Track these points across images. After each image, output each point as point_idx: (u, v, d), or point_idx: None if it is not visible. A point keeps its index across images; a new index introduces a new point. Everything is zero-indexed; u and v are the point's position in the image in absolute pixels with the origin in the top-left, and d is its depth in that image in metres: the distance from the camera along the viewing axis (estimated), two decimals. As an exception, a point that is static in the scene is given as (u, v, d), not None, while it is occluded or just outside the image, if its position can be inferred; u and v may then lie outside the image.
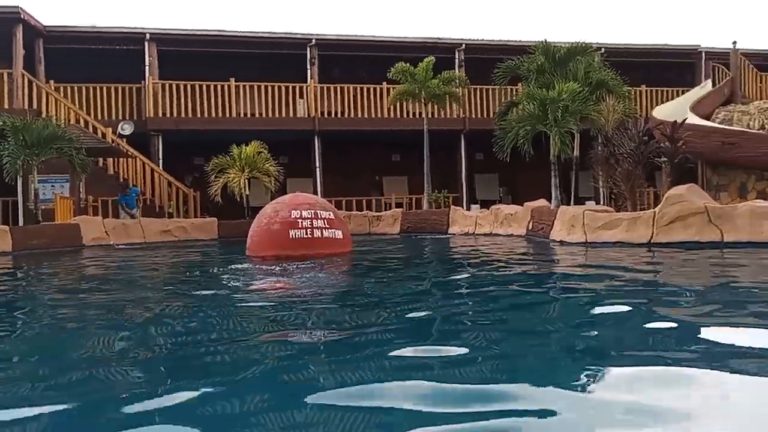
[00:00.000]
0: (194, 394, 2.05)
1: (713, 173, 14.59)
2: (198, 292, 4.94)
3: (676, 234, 7.67)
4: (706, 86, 16.50)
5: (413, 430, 1.63)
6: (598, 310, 3.58)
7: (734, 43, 16.49)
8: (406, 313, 3.58)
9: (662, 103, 16.91)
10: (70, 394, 2.14)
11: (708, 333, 2.78)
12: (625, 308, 3.52)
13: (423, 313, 3.62)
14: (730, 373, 2.13)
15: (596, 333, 2.98)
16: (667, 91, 18.05)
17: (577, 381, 2.09)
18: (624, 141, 9.36)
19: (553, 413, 1.75)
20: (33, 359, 2.80)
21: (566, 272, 6.20)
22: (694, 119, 13.57)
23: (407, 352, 2.55)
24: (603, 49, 17.17)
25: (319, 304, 4.16)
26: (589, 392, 1.98)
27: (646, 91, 18.16)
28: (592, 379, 2.13)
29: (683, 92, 16.94)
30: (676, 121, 9.99)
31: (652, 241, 7.83)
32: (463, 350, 2.55)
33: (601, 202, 10.91)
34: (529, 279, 5.57)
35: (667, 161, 9.50)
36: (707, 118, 14.77)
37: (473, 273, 6.25)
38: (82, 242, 11.81)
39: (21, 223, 13.07)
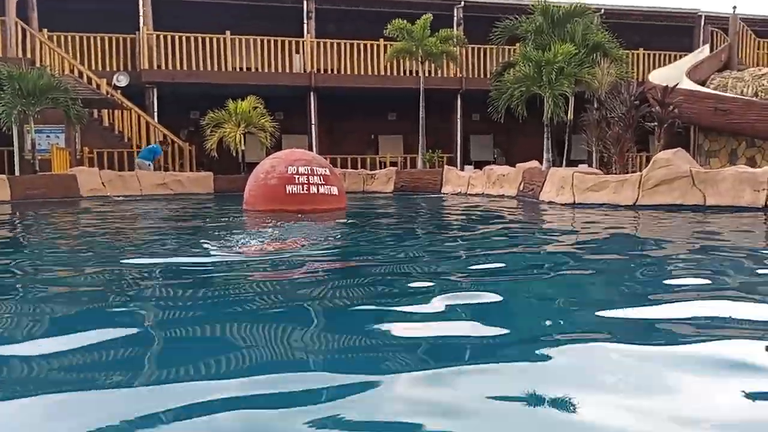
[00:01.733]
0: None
1: (705, 139, 14.77)
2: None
3: (661, 197, 7.91)
4: (703, 51, 16.51)
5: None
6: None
7: (734, 8, 16.41)
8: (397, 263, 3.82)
9: (660, 67, 16.91)
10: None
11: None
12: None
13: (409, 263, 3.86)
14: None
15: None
16: (665, 55, 18.01)
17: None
18: (616, 105, 9.48)
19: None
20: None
21: (531, 227, 6.55)
22: (688, 84, 13.67)
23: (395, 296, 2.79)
24: (602, 11, 17.06)
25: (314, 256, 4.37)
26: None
27: (644, 54, 18.12)
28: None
29: (681, 57, 16.93)
30: (667, 85, 10.09)
31: (637, 203, 8.07)
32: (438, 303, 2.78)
33: (593, 165, 11.07)
34: (504, 233, 5.84)
35: (657, 126, 9.65)
36: (703, 83, 14.85)
37: (453, 226, 6.49)
38: (80, 193, 11.96)
39: (17, 173, 13.13)
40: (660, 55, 18.11)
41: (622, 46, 13.02)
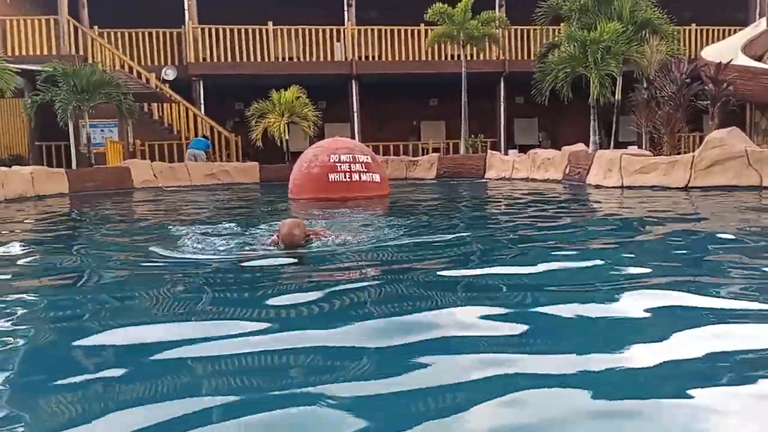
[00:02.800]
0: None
1: (762, 117, 14.11)
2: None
3: (714, 178, 7.66)
4: (759, 25, 15.71)
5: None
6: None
7: (794, -23, 15.55)
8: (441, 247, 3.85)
9: (713, 43, 16.21)
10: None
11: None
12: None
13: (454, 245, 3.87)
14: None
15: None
16: (719, 30, 17.24)
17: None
18: (665, 84, 9.17)
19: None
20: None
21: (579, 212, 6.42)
22: (743, 60, 13.05)
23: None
24: (652, -14, 16.45)
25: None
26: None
27: (696, 30, 17.40)
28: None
29: (735, 32, 16.17)
30: (720, 62, 9.69)
31: (689, 185, 7.83)
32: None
33: (644, 147, 10.75)
34: (549, 217, 5.75)
35: (710, 104, 9.29)
36: (759, 59, 14.15)
37: (495, 211, 6.44)
38: (133, 184, 12.40)
39: (74, 166, 13.70)
40: (713, 30, 17.36)
41: (672, 22, 12.54)
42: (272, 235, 3.87)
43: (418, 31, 16.57)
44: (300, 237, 3.57)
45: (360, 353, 1.83)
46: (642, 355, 1.75)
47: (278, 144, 14.95)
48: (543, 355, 1.78)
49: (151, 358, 1.84)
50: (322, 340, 1.95)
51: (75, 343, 2.02)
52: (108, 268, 3.58)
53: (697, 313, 2.18)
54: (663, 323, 2.09)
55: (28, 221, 6.95)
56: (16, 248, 4.35)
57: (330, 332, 2.03)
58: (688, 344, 1.84)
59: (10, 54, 14.21)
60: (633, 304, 2.32)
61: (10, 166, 11.09)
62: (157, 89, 14.97)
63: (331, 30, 16.59)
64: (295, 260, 3.43)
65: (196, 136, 15.46)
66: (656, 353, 1.75)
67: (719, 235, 4.21)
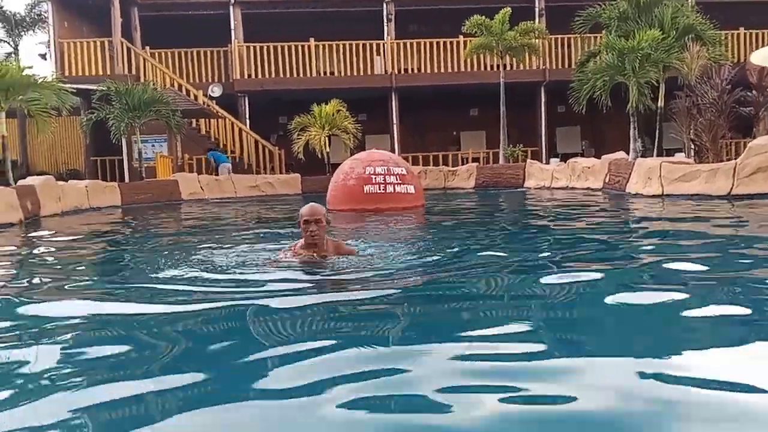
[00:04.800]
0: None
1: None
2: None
3: (758, 186, 7.45)
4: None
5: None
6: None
7: None
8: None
9: (762, 46, 15.69)
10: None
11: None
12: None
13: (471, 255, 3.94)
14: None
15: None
16: (769, 32, 16.70)
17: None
18: (707, 90, 8.98)
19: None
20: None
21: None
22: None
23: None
24: (697, -10, 16.10)
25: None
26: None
27: (745, 33, 16.89)
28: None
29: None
30: (763, 67, 9.42)
31: (731, 193, 7.64)
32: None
33: (686, 154, 10.52)
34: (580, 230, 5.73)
35: (753, 110, 9.04)
36: (813, 61, 13.64)
37: (526, 223, 6.45)
38: (181, 197, 12.89)
39: (127, 179, 14.37)
40: (764, 33, 16.81)
41: (717, 27, 12.25)
42: (287, 248, 3.69)
43: (457, 43, 16.68)
44: (322, 209, 3.49)
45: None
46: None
47: (320, 156, 15.27)
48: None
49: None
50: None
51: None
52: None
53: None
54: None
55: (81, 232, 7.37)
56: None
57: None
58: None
59: (67, 74, 15.05)
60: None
61: (68, 180, 11.74)
62: (205, 105, 15.55)
63: (371, 44, 16.89)
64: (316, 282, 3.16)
65: (241, 149, 15.96)
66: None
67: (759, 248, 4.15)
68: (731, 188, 7.68)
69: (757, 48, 15.80)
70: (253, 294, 3.00)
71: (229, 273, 3.48)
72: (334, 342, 2.09)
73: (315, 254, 3.50)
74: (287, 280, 3.24)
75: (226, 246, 4.79)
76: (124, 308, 2.84)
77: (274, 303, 2.72)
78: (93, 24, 16.56)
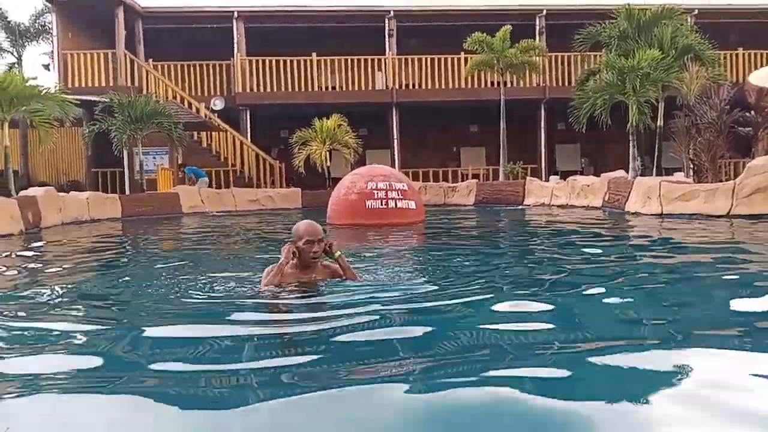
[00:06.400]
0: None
1: (814, 142, 13.66)
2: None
3: (757, 206, 7.50)
4: (811, 47, 15.31)
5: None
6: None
7: None
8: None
9: (760, 67, 15.84)
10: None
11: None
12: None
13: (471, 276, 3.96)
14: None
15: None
16: (767, 54, 16.87)
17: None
18: (705, 110, 9.06)
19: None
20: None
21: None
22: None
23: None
24: (696, 10, 16.29)
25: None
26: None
27: (744, 54, 17.06)
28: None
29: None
30: (762, 87, 9.51)
31: (731, 213, 7.69)
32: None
33: (685, 174, 10.59)
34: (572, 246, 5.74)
35: (752, 130, 9.12)
36: (811, 82, 13.77)
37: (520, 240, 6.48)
38: (182, 210, 12.91)
39: (128, 191, 14.39)
40: (762, 54, 17.00)
41: (717, 47, 12.38)
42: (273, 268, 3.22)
43: (458, 59, 16.82)
44: (320, 230, 3.17)
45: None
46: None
47: (320, 170, 15.32)
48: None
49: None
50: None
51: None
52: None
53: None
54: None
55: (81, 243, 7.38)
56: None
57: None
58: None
59: (70, 86, 15.14)
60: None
61: (68, 192, 11.77)
62: (206, 118, 15.63)
63: (373, 60, 17.02)
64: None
65: (242, 163, 16.04)
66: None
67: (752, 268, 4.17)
68: (730, 208, 7.72)
69: (755, 68, 15.96)
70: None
71: (215, 306, 3.13)
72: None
73: (311, 279, 3.19)
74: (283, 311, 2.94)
75: (214, 269, 4.34)
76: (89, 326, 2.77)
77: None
78: (97, 36, 16.68)
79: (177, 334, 2.58)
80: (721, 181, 8.81)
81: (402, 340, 2.34)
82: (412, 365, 2.05)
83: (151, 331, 2.61)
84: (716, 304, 3.07)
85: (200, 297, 3.30)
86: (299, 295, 3.12)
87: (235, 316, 2.85)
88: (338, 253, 3.26)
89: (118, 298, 3.51)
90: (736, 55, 16.95)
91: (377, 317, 2.67)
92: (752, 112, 9.34)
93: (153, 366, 2.11)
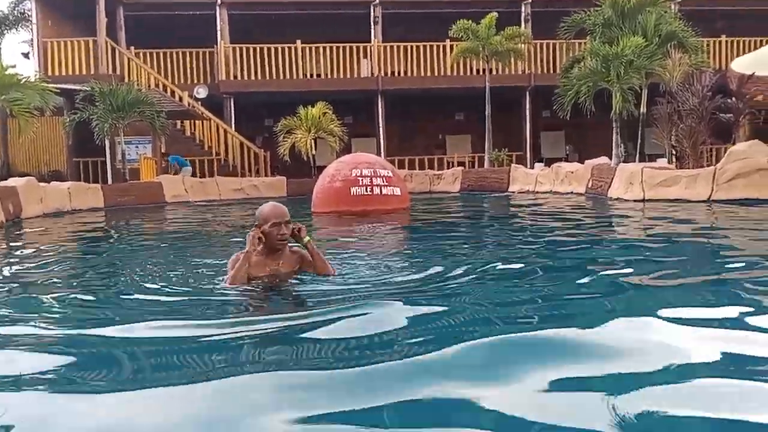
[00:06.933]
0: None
1: (794, 129, 13.82)
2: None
3: (737, 191, 7.59)
4: (792, 35, 15.44)
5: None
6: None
7: (828, -14, 15.26)
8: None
9: (743, 54, 15.96)
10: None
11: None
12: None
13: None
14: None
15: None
16: (750, 41, 16.99)
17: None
18: (687, 96, 9.13)
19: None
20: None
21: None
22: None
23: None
24: (680, -2, 16.36)
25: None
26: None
27: (726, 41, 17.17)
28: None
29: (767, 42, 15.90)
30: (743, 74, 9.59)
31: (711, 198, 7.77)
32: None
33: (667, 160, 10.68)
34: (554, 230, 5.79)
35: (732, 117, 9.20)
36: (791, 69, 13.90)
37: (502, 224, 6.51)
38: (165, 199, 12.80)
39: (110, 181, 14.23)
40: (745, 41, 17.12)
41: (701, 34, 12.44)
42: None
43: (444, 47, 16.77)
44: (286, 211, 2.97)
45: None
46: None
47: (305, 159, 15.25)
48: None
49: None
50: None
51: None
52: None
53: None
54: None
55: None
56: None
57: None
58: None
59: (50, 74, 14.90)
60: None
61: (49, 182, 11.62)
62: (190, 107, 15.47)
63: (358, 47, 16.92)
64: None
65: (226, 151, 15.92)
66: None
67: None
68: (711, 193, 7.81)
69: (738, 55, 16.07)
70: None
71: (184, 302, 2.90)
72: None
73: (279, 266, 3.00)
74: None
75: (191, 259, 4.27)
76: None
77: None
78: (77, 23, 16.40)
79: (135, 334, 2.31)
80: (702, 166, 8.89)
81: (375, 336, 2.13)
82: (385, 363, 1.85)
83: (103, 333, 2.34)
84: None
85: (166, 294, 3.03)
86: (268, 292, 2.89)
87: (198, 315, 2.59)
88: (307, 238, 3.05)
89: (76, 297, 3.16)
90: (719, 42, 17.05)
91: (353, 312, 2.41)
92: (733, 99, 9.41)
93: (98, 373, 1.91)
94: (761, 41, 16.47)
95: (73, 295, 3.22)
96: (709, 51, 15.51)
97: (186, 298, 2.97)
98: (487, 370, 1.74)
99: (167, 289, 3.13)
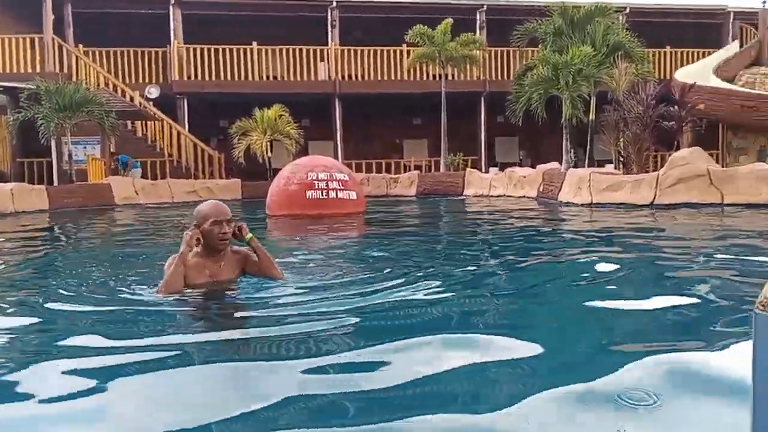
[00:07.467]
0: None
1: (734, 136, 14.52)
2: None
3: (678, 196, 7.91)
4: (731, 48, 16.23)
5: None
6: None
7: (764, 2, 16.09)
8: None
9: (686, 64, 16.66)
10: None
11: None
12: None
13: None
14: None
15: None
16: (693, 52, 17.75)
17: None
18: (633, 105, 9.48)
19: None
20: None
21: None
22: (714, 82, 13.47)
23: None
24: (628, 9, 16.94)
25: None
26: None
27: (671, 52, 17.88)
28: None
29: (708, 54, 16.65)
30: (685, 84, 10.03)
31: (654, 202, 8.08)
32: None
33: (615, 166, 11.05)
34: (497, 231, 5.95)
35: (675, 124, 9.60)
36: (731, 80, 14.60)
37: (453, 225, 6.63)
38: (114, 201, 12.46)
39: (56, 182, 13.75)
40: (688, 52, 17.86)
41: (646, 45, 12.92)
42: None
43: (401, 51, 16.89)
44: (228, 210, 2.79)
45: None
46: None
47: (261, 161, 15.10)
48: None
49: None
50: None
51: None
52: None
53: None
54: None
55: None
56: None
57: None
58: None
59: (-6, 71, 14.32)
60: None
61: (-9, 183, 11.15)
62: (141, 107, 15.10)
63: (315, 50, 16.87)
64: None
65: (179, 153, 15.61)
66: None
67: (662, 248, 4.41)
68: (654, 198, 8.12)
69: (681, 66, 16.78)
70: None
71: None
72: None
73: (220, 267, 2.80)
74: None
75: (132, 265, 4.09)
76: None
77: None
78: (22, 18, 15.81)
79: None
80: (647, 172, 9.24)
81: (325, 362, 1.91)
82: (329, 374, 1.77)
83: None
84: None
85: (91, 303, 2.81)
86: (206, 302, 2.63)
87: (121, 332, 2.32)
88: (249, 235, 2.86)
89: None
90: (664, 53, 17.73)
91: (299, 320, 2.29)
92: (676, 107, 9.82)
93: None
94: (704, 53, 17.25)
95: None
96: (654, 61, 16.10)
97: (113, 309, 2.67)
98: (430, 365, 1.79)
99: (92, 300, 2.85)
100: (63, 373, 1.86)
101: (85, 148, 14.46)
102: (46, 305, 2.82)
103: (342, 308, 2.49)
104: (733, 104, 13.06)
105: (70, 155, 13.14)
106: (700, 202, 7.64)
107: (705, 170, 7.78)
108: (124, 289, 3.06)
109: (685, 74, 14.32)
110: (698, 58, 17.13)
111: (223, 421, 1.47)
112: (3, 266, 4.39)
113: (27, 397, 1.69)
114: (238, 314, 2.58)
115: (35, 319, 2.62)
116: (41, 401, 1.66)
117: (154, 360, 1.93)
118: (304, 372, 1.77)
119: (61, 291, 3.10)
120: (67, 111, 12.63)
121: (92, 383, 1.76)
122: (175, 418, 1.51)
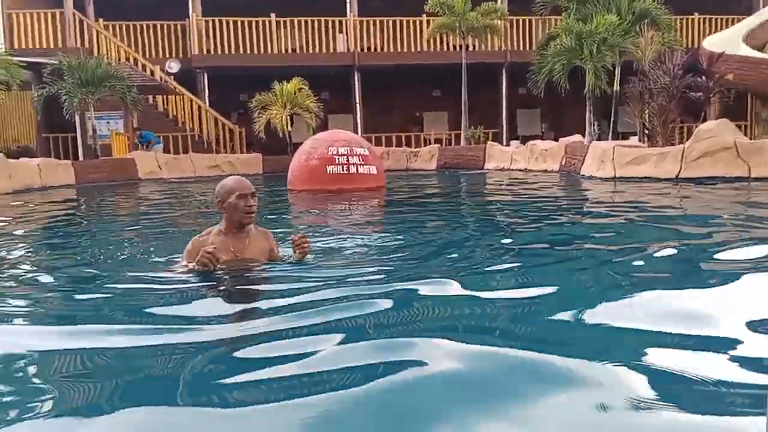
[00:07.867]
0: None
1: (763, 107, 14.12)
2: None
3: (704, 169, 7.77)
4: (762, 14, 15.65)
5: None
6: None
7: (798, -35, 15.47)
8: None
9: (715, 32, 16.17)
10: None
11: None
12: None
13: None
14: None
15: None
16: (721, 19, 17.21)
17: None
18: (659, 75, 9.26)
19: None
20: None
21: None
22: (744, 50, 13.05)
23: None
24: (654, -25, 16.45)
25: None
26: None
27: (699, 19, 17.36)
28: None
29: (738, 21, 16.11)
30: (713, 53, 9.75)
31: (679, 176, 7.95)
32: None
33: (639, 138, 10.86)
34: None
35: (702, 95, 9.38)
36: (761, 48, 14.13)
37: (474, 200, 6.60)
38: (138, 176, 12.64)
39: (81, 157, 13.97)
40: (717, 19, 17.32)
41: (673, 12, 12.55)
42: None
43: (420, 22, 16.66)
44: (251, 185, 2.79)
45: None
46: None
47: (281, 135, 15.13)
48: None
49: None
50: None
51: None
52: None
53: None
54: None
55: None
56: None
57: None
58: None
59: (16, 47, 14.46)
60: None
61: (18, 158, 11.37)
62: (162, 81, 15.17)
63: (334, 21, 16.71)
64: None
65: (200, 127, 15.70)
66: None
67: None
68: (679, 171, 7.99)
69: (709, 34, 16.29)
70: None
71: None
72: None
73: (246, 245, 2.76)
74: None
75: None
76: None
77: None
78: (43, -6, 15.89)
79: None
80: (672, 145, 9.07)
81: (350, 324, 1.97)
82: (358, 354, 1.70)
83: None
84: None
85: (114, 282, 2.78)
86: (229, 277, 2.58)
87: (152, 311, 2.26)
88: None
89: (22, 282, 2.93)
90: (691, 20, 17.23)
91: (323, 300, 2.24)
92: (704, 78, 9.58)
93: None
94: (733, 20, 16.70)
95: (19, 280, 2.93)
96: (681, 29, 15.68)
97: (140, 286, 2.64)
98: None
99: (115, 278, 2.83)
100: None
101: (108, 123, 14.63)
102: (67, 287, 2.85)
103: (365, 290, 2.44)
104: (763, 73, 12.65)
105: (94, 130, 13.31)
106: (726, 176, 7.50)
107: (732, 142, 7.61)
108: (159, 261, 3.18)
109: (713, 42, 13.90)
110: (727, 26, 16.59)
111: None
112: (36, 240, 4.51)
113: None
114: (262, 288, 2.58)
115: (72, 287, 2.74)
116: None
117: (173, 332, 1.96)
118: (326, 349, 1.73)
119: (80, 271, 3.18)
120: (90, 86, 12.76)
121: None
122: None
